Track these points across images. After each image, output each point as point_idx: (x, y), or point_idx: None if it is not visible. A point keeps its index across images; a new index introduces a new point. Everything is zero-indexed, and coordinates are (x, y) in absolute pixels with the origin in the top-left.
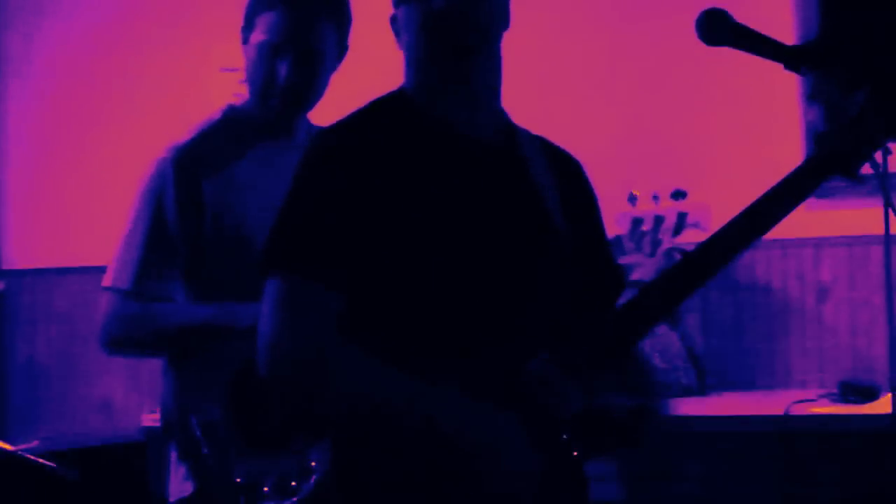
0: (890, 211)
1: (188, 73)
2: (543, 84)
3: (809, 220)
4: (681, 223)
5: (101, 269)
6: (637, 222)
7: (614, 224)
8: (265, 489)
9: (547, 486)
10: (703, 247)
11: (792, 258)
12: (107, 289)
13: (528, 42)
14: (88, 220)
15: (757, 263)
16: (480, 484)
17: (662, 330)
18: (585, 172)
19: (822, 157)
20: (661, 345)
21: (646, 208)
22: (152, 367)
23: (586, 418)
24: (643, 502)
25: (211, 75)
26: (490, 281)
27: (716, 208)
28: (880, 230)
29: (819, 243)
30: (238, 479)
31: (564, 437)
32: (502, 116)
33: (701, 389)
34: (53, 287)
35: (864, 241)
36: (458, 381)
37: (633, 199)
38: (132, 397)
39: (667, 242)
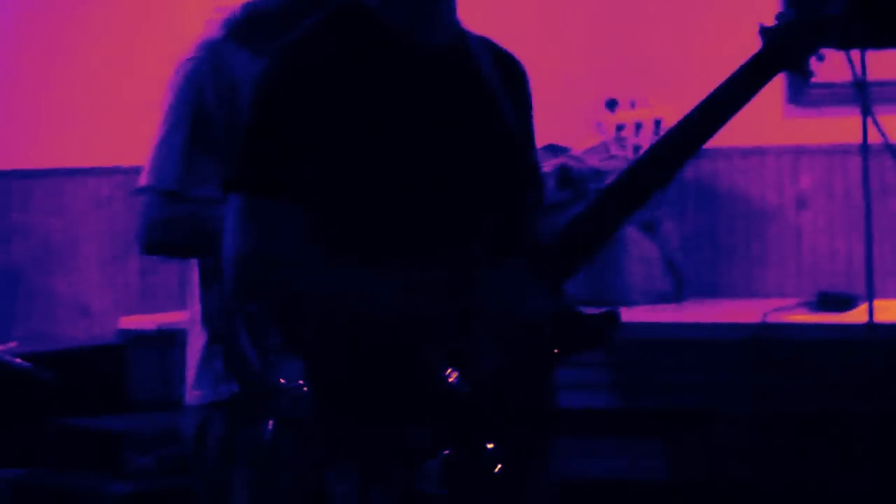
0: (868, 119)
1: None
2: None
3: (788, 128)
4: (657, 128)
5: (77, 172)
6: (619, 128)
7: (595, 130)
8: (304, 389)
9: (511, 387)
10: (658, 144)
11: (770, 167)
12: (145, 189)
13: None
14: (65, 122)
15: (735, 172)
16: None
17: (639, 237)
18: (527, 76)
19: (769, 51)
20: (638, 251)
21: (625, 114)
22: (130, 271)
23: (557, 320)
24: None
25: None
26: (449, 185)
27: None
28: (859, 138)
29: (798, 152)
30: (282, 381)
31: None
32: (455, 23)
33: (677, 297)
34: (30, 189)
35: (843, 149)
36: (432, 287)
37: (612, 104)
38: (110, 300)
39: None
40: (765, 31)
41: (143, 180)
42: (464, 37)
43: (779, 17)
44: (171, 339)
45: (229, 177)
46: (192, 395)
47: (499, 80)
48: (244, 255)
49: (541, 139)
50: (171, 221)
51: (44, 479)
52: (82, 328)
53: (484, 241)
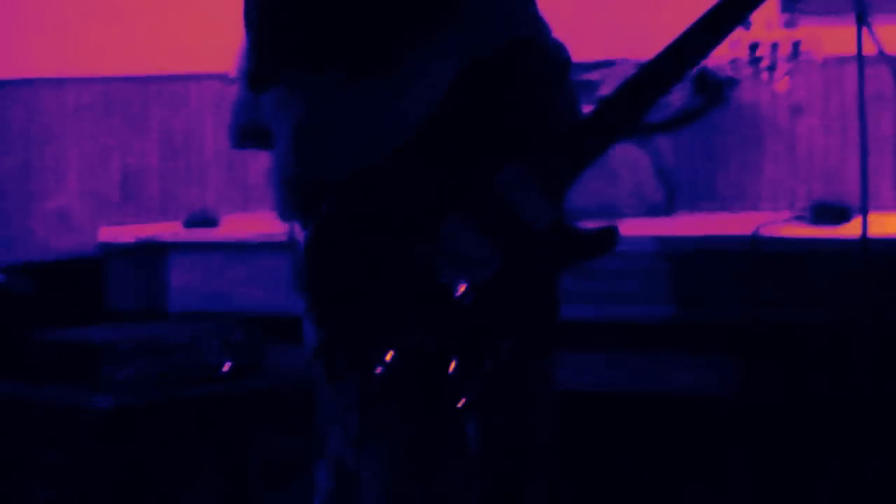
0: (864, 30)
1: None
2: None
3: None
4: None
5: (54, 81)
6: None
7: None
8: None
9: (513, 295)
10: (655, 60)
11: (765, 77)
12: (234, 79)
13: None
14: (43, 30)
15: (729, 80)
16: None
17: (631, 147)
18: None
19: None
20: (630, 162)
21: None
22: (110, 181)
23: (556, 230)
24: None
25: None
26: None
27: None
28: (855, 49)
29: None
30: None
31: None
32: None
33: (669, 208)
34: (7, 98)
35: (839, 60)
36: (431, 187)
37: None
38: (89, 212)
39: (782, 68)
40: None
41: (234, 69)
42: None
43: None
44: (151, 251)
45: (255, 71)
46: None
47: None
48: (295, 134)
49: None
50: (254, 104)
51: (21, 392)
52: (61, 237)
53: (500, 129)
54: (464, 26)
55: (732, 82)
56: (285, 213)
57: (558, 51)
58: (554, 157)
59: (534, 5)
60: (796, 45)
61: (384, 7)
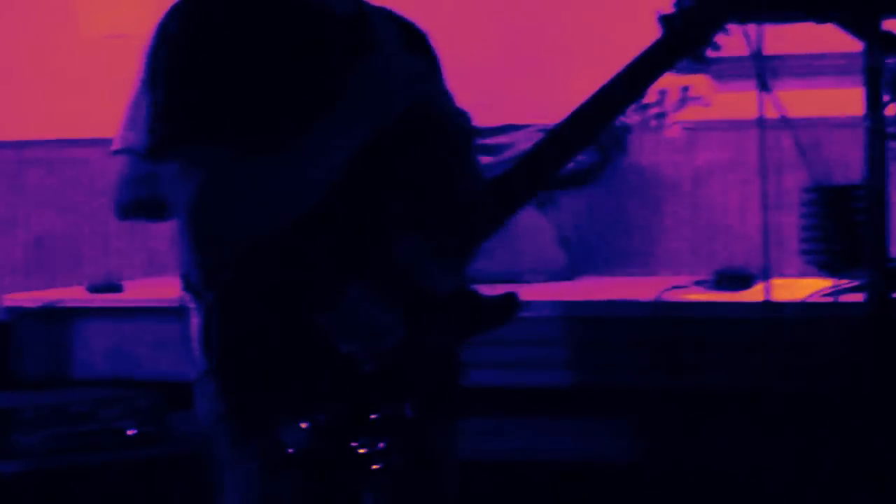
0: (766, 94)
1: None
2: None
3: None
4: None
5: None
6: None
7: None
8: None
9: (415, 363)
10: (561, 125)
11: (667, 140)
12: (118, 152)
13: None
14: None
15: (631, 144)
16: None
17: (532, 212)
18: (429, 38)
19: (667, 39)
20: (531, 226)
21: None
22: (15, 243)
23: (458, 299)
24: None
25: None
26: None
27: None
28: (756, 113)
29: (696, 125)
30: None
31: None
32: None
33: (570, 273)
34: None
35: (742, 124)
36: (332, 258)
37: None
38: None
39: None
40: (664, 19)
41: (116, 144)
42: (364, 7)
43: (677, 3)
44: (56, 316)
45: (154, 141)
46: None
47: (398, 47)
48: (193, 206)
49: None
50: (143, 178)
51: None
52: None
53: (391, 216)
54: (363, 98)
55: (625, 130)
56: (186, 283)
57: (462, 119)
58: (456, 227)
59: (438, 73)
60: (685, 90)
61: (277, 86)
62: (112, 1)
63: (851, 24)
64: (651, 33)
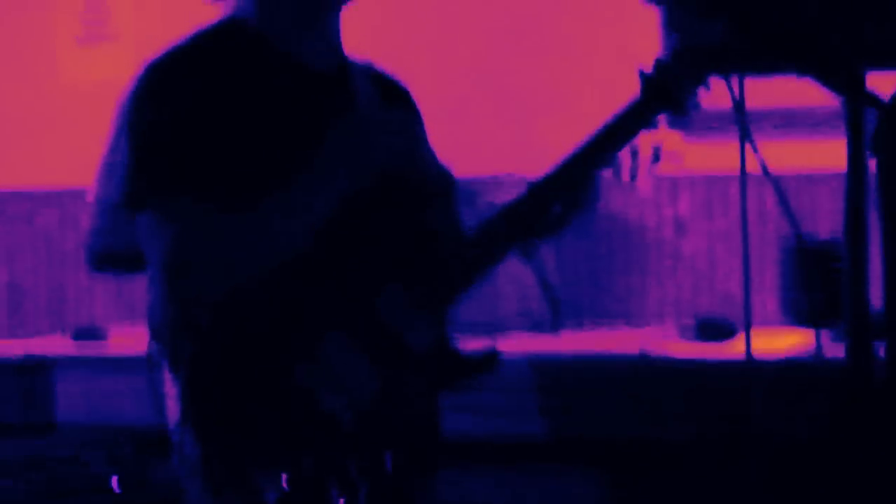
0: (748, 146)
1: None
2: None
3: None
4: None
5: None
6: None
7: None
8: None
9: (393, 415)
10: (542, 180)
11: (644, 191)
12: (92, 202)
13: None
14: None
15: (614, 195)
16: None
17: (515, 261)
18: (410, 93)
19: (647, 95)
20: (514, 276)
21: None
22: None
23: (437, 352)
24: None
25: None
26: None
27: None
28: (738, 165)
29: (677, 177)
30: None
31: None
32: (338, 48)
33: (555, 325)
34: None
35: (723, 177)
36: (310, 311)
37: None
38: None
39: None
40: (644, 76)
41: (90, 195)
42: (345, 62)
43: (657, 61)
44: (39, 364)
45: (130, 192)
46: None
47: (379, 104)
48: (168, 261)
49: None
50: (115, 229)
51: None
52: None
53: (372, 270)
54: (341, 154)
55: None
56: (156, 334)
57: (442, 174)
58: (436, 279)
59: (419, 128)
60: (657, 148)
61: (254, 140)
62: (92, 48)
63: (829, 79)
64: (632, 86)
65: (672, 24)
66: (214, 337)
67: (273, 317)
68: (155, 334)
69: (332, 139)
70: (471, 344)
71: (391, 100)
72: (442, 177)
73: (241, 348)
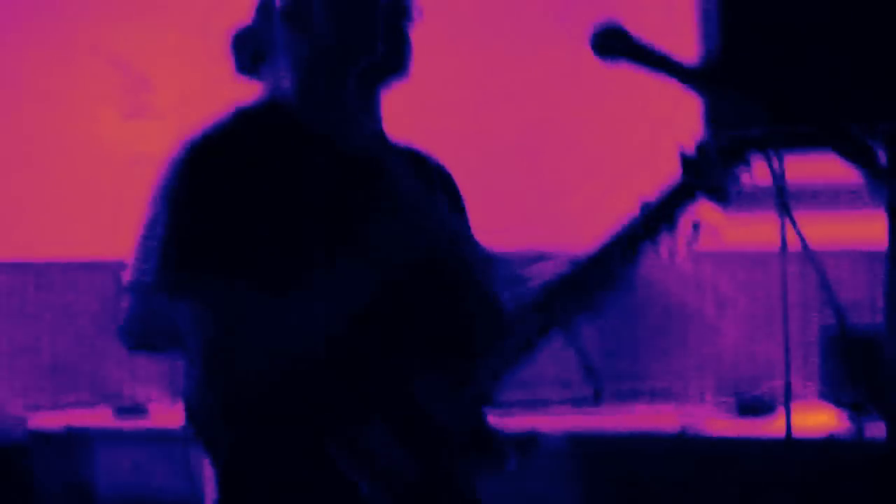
0: (788, 224)
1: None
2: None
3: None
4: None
5: None
6: None
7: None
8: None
9: (433, 502)
10: (585, 259)
11: (690, 268)
12: (128, 283)
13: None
14: None
15: (655, 271)
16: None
17: (555, 337)
18: (451, 177)
19: (687, 177)
20: (553, 351)
21: None
22: (38, 363)
23: (476, 436)
24: None
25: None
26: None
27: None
28: (779, 241)
29: (719, 253)
30: None
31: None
32: (378, 131)
33: (595, 401)
34: None
35: (765, 253)
36: (348, 397)
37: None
38: (18, 396)
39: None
40: (684, 157)
41: (126, 276)
42: (385, 144)
43: (699, 144)
44: (80, 439)
45: (167, 275)
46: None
47: (418, 187)
48: (204, 348)
49: None
50: (152, 311)
51: None
52: None
53: (411, 354)
54: (385, 237)
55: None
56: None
57: (482, 258)
58: (475, 363)
59: (460, 212)
60: (697, 224)
61: (292, 224)
62: (135, 121)
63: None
64: (672, 163)
65: (713, 108)
66: (253, 423)
67: (311, 402)
68: (191, 416)
69: (372, 223)
70: (510, 425)
71: (431, 182)
72: (481, 259)
73: (280, 435)
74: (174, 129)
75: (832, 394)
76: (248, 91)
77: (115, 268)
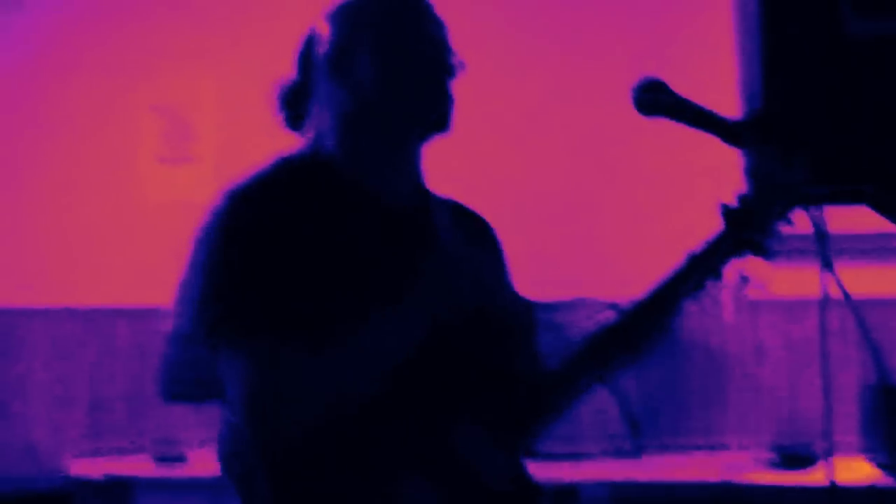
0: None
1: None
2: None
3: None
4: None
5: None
6: None
7: None
8: None
9: None
10: (629, 310)
11: (730, 318)
12: (167, 334)
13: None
14: (19, 259)
15: (694, 321)
16: None
17: (596, 389)
18: (494, 232)
19: (729, 231)
20: (593, 401)
21: None
22: (77, 409)
23: (516, 490)
24: None
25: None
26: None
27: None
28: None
29: (757, 303)
30: None
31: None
32: (420, 183)
33: (636, 452)
34: None
35: (804, 302)
36: (386, 450)
37: None
38: (58, 441)
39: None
40: (726, 210)
41: (166, 325)
42: (427, 198)
43: (740, 197)
44: (120, 487)
45: (206, 327)
46: None
47: (461, 240)
48: (244, 401)
49: None
50: (190, 361)
51: None
52: (27, 469)
53: (450, 406)
54: (426, 292)
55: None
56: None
57: (523, 310)
58: (515, 416)
59: (501, 265)
60: (742, 275)
61: (334, 278)
62: (175, 168)
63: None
64: (712, 213)
65: (754, 162)
66: (292, 475)
67: (349, 456)
68: (228, 466)
69: (414, 277)
70: (551, 476)
71: (473, 236)
72: (522, 311)
73: (319, 487)
74: (215, 177)
75: (873, 445)
76: (291, 140)
77: (153, 313)
